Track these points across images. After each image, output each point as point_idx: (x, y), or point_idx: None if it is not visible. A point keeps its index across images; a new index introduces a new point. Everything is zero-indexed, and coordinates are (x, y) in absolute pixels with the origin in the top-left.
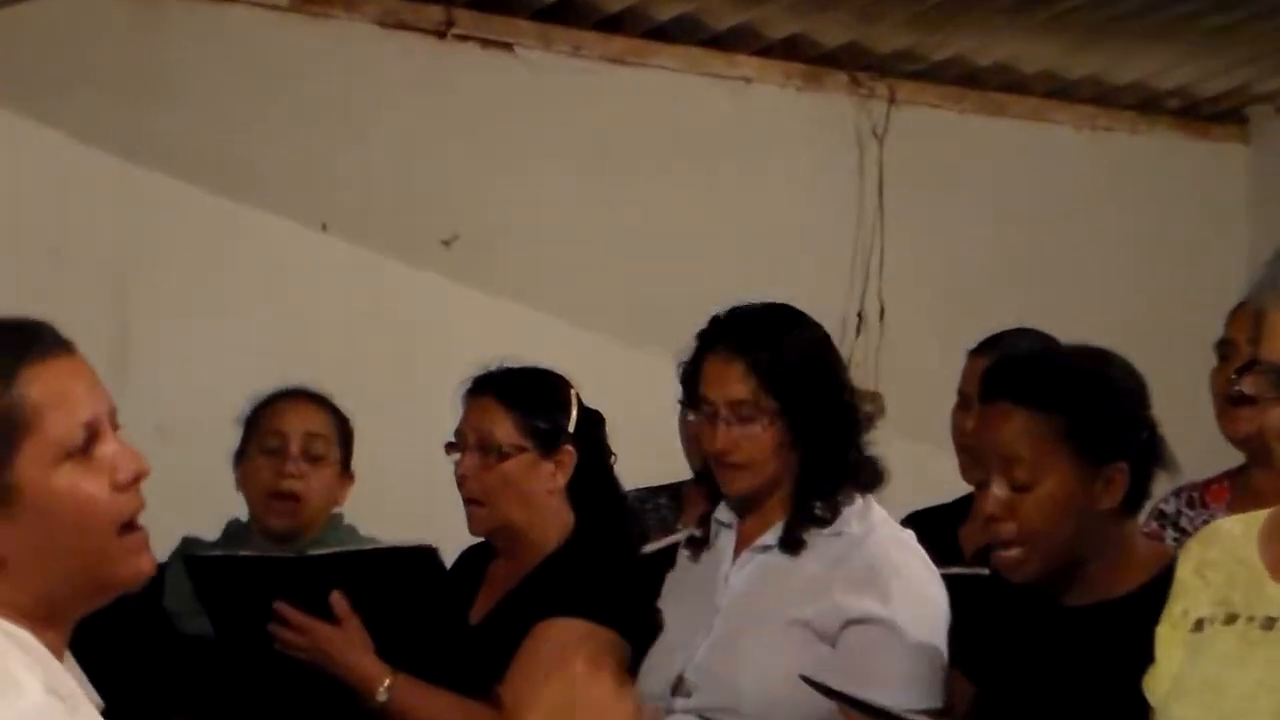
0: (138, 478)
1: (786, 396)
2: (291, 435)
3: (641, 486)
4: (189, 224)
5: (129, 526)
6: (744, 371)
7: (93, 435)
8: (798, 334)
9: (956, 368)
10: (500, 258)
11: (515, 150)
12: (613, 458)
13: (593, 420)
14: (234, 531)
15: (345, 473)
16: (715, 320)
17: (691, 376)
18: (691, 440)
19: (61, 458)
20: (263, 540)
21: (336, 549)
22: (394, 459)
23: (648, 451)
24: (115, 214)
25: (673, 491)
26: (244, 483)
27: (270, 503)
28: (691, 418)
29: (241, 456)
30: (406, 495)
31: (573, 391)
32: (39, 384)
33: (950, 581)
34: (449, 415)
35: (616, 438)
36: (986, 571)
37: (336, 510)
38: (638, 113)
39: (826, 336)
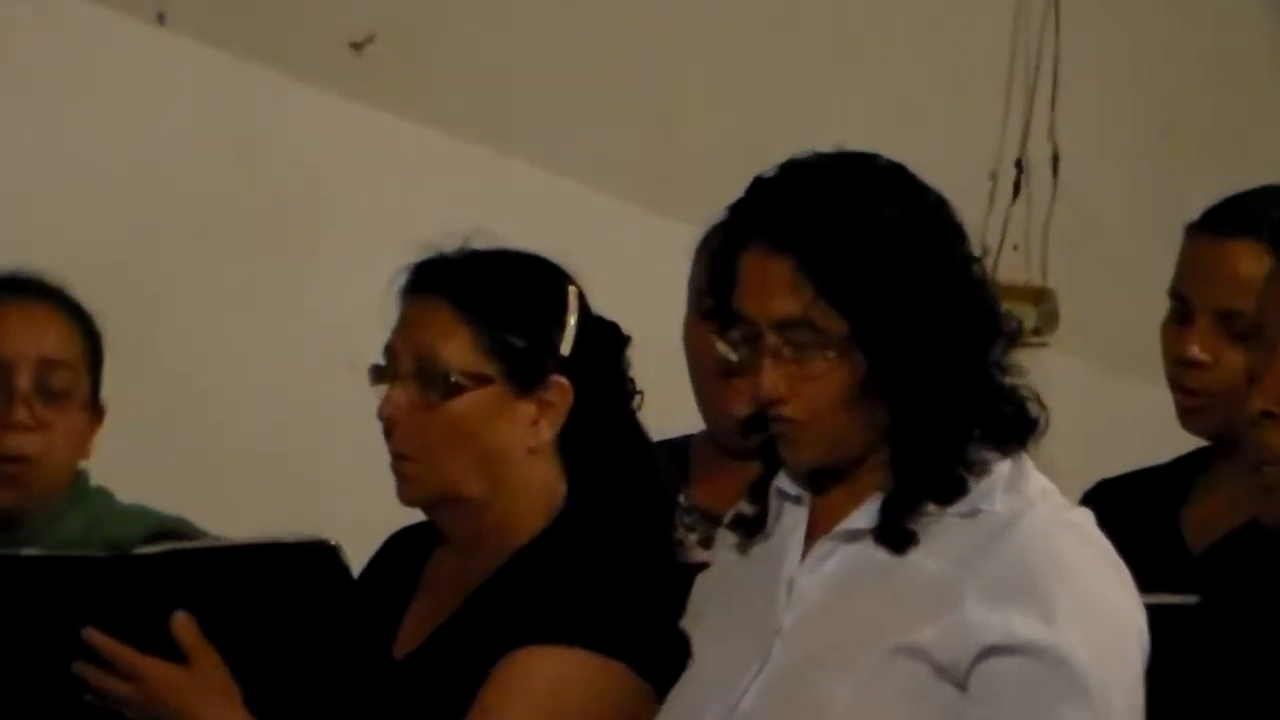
0: None
1: (862, 312)
2: (20, 365)
3: None
4: None
5: None
6: (792, 275)
7: None
8: (882, 208)
9: (1170, 248)
10: (439, 70)
11: None
12: (636, 397)
13: (604, 337)
14: None
15: (94, 410)
16: (756, 188)
17: (721, 278)
18: (701, 363)
19: None
20: None
21: (178, 545)
22: (271, 385)
23: (661, 375)
24: None
25: (676, 449)
26: None
27: None
28: (722, 346)
29: None
30: (290, 448)
31: (572, 290)
32: None
33: (1156, 613)
34: (364, 316)
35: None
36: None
37: (81, 467)
38: None
39: (938, 206)
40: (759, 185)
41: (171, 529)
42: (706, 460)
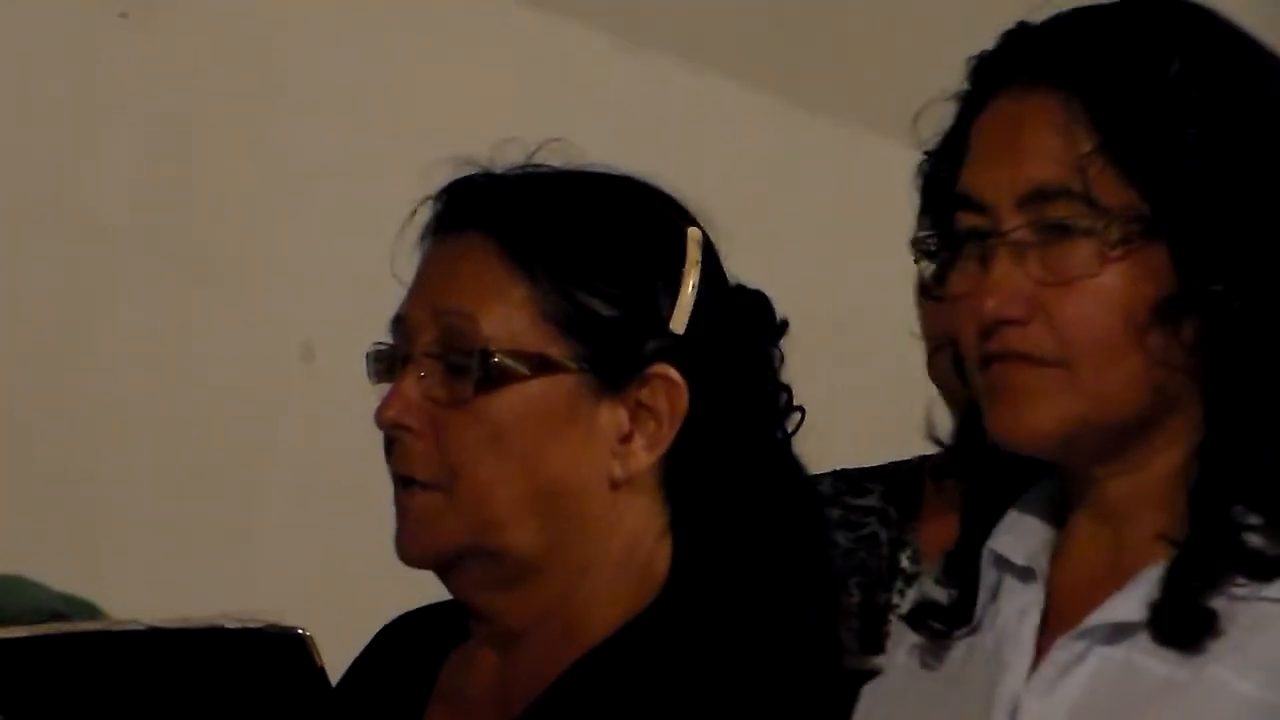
0: None
1: (1171, 180)
2: None
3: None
4: None
5: None
6: (1063, 115)
7: None
8: (1211, 57)
9: None
10: None
11: None
12: (794, 414)
13: (743, 312)
14: None
15: None
16: (1012, 33)
17: (943, 163)
18: (941, 345)
19: None
20: None
21: (73, 628)
22: (187, 385)
23: (825, 362)
24: None
25: (896, 479)
26: None
27: None
28: (929, 280)
29: None
30: (215, 480)
31: (693, 235)
32: None
33: None
34: (328, 277)
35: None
36: None
37: None
38: None
39: None
40: (1018, 30)
41: (66, 614)
42: (945, 494)
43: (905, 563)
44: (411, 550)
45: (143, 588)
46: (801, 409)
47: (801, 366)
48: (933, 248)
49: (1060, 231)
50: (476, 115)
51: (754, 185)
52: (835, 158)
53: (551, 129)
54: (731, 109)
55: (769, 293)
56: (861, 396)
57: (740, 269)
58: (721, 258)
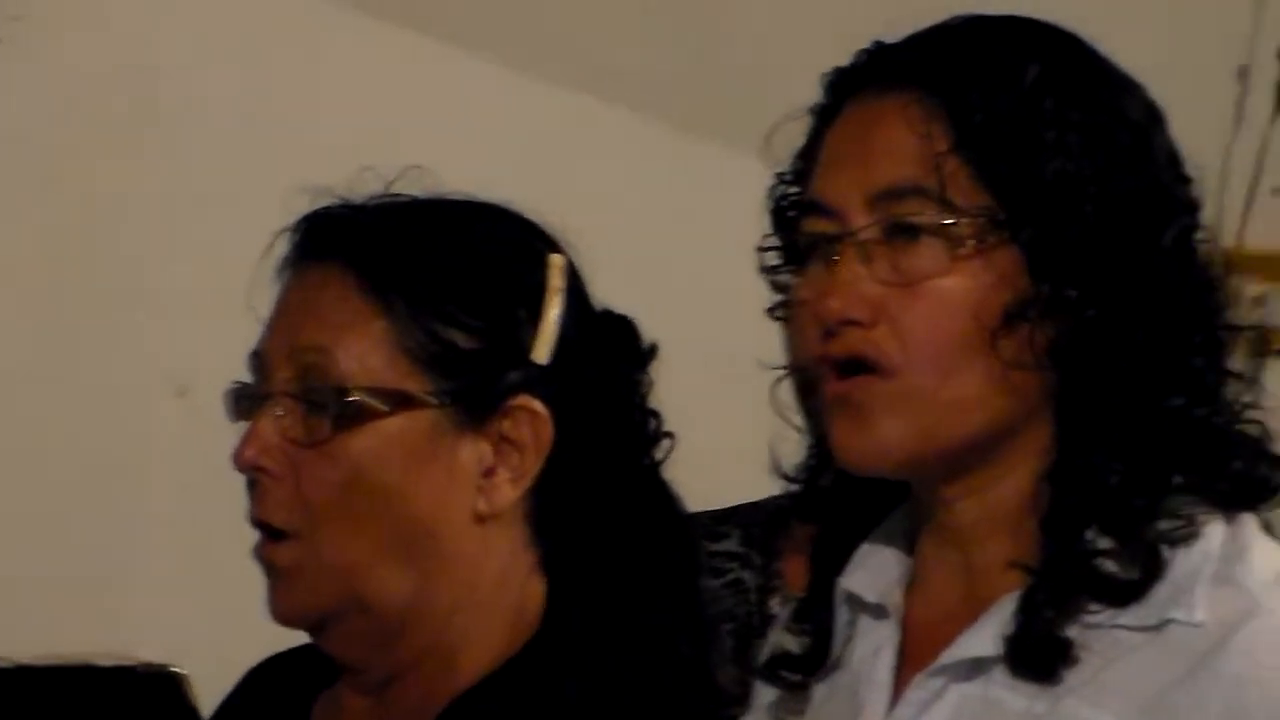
0: None
1: (1024, 179)
2: None
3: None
4: None
5: None
6: (918, 114)
7: None
8: (1074, 66)
9: None
10: None
11: None
12: (663, 441)
13: (608, 339)
14: None
15: None
16: (874, 48)
17: (797, 182)
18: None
19: None
20: None
21: None
22: (53, 426)
23: (714, 399)
24: None
25: (755, 523)
26: None
27: None
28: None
29: None
30: (85, 524)
31: (555, 261)
32: None
33: None
34: (203, 312)
35: None
36: None
37: None
38: None
39: (1147, 115)
40: (872, 46)
41: None
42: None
43: (776, 608)
44: (283, 608)
45: (10, 626)
46: (672, 434)
47: (689, 397)
48: (775, 263)
49: (909, 231)
50: (362, 145)
51: (638, 211)
52: (724, 183)
53: (436, 155)
54: (619, 134)
55: (645, 319)
56: (751, 427)
57: (623, 297)
58: (589, 284)
